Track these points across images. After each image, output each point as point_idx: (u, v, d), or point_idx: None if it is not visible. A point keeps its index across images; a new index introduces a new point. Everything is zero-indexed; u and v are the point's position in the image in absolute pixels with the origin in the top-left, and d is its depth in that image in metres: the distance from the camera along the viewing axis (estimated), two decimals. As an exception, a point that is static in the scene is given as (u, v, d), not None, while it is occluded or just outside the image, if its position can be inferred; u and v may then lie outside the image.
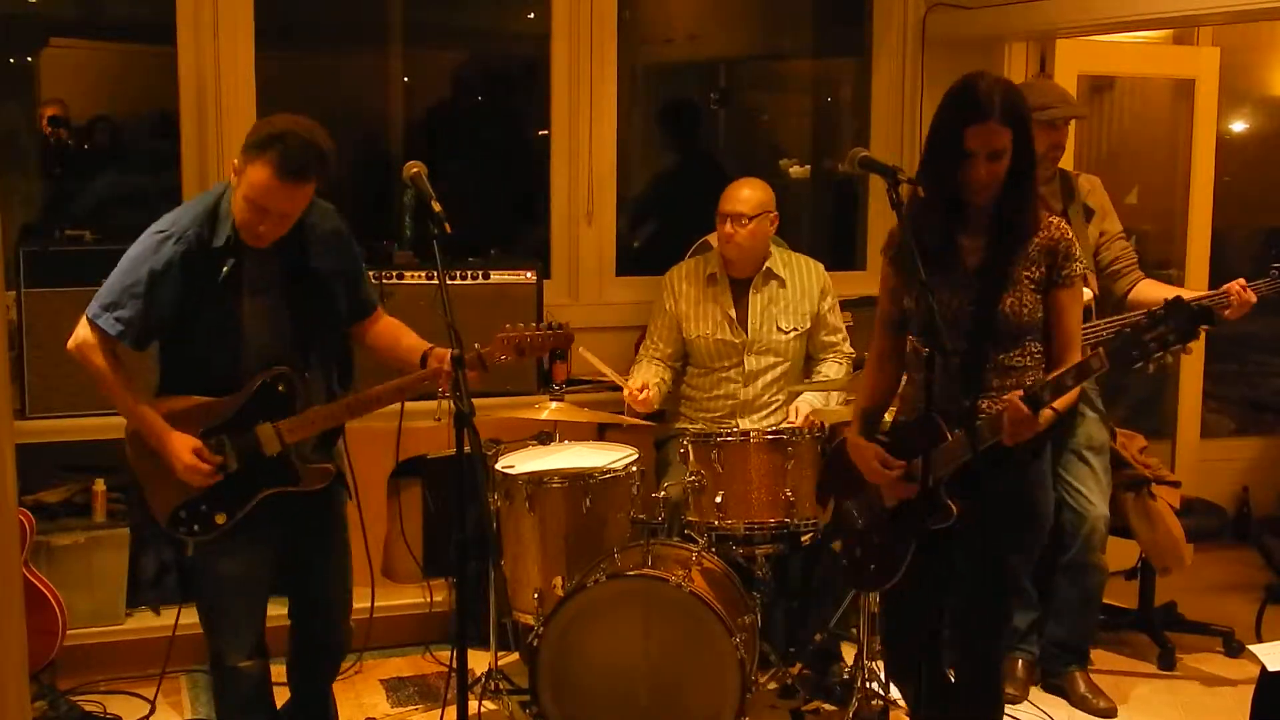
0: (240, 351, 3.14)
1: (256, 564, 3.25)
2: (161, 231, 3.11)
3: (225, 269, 3.09)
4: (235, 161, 3.06)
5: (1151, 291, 4.13)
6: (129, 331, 3.08)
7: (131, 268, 3.09)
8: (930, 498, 2.98)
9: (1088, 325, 4.03)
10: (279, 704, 3.51)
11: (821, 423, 4.01)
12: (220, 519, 3.16)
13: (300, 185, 3.00)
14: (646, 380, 4.25)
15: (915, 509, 3.04)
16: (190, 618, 3.64)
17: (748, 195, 4.27)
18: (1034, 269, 3.04)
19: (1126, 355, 2.81)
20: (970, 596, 3.13)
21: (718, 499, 3.81)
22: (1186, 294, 4.10)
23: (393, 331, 3.37)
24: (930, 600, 3.04)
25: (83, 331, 3.13)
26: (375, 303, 3.40)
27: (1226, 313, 3.97)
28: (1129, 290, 4.16)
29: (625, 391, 4.20)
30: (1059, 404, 2.92)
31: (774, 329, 4.31)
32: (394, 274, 4.47)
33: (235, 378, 3.15)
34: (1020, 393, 2.91)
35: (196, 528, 3.17)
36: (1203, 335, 5.07)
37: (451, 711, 3.00)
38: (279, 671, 3.49)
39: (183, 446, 3.09)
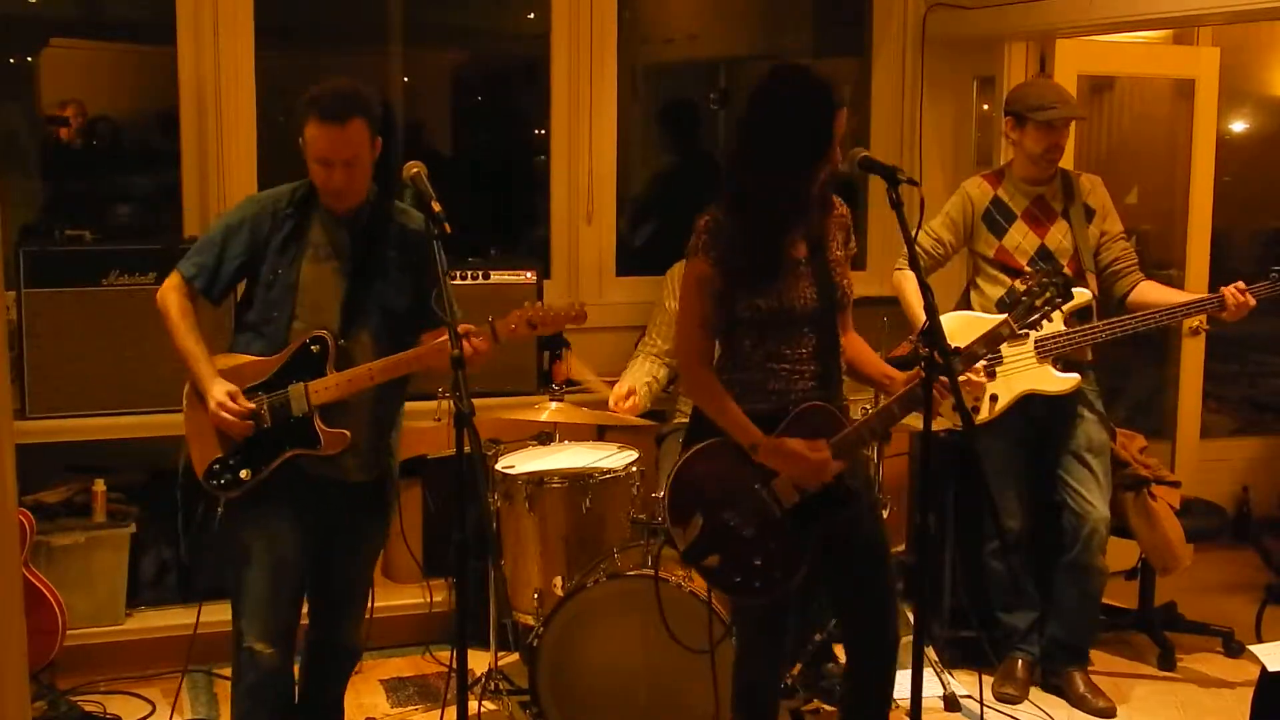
0: (292, 313, 3.26)
1: (279, 544, 3.27)
2: (251, 196, 3.44)
3: (287, 227, 3.26)
4: (300, 140, 3.22)
5: (1152, 293, 4.13)
6: (201, 275, 3.29)
7: (216, 225, 3.40)
8: (838, 486, 3.00)
9: (1088, 326, 4.04)
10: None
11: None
12: (245, 474, 3.25)
13: (344, 126, 3.15)
14: (633, 384, 4.26)
15: (818, 501, 3.01)
16: (189, 617, 3.64)
17: None
18: (839, 247, 3.08)
19: (1028, 321, 3.18)
20: (870, 587, 3.13)
21: (718, 499, 3.81)
22: (1183, 297, 4.13)
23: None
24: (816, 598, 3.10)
25: (169, 279, 3.34)
26: (444, 319, 3.40)
27: (1224, 315, 3.97)
28: (1129, 291, 4.16)
29: (610, 400, 4.21)
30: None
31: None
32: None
33: (286, 339, 3.27)
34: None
35: (225, 480, 3.26)
36: (1203, 335, 5.13)
37: (451, 711, 3.00)
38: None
39: (219, 388, 3.22)
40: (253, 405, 3.23)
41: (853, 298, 3.13)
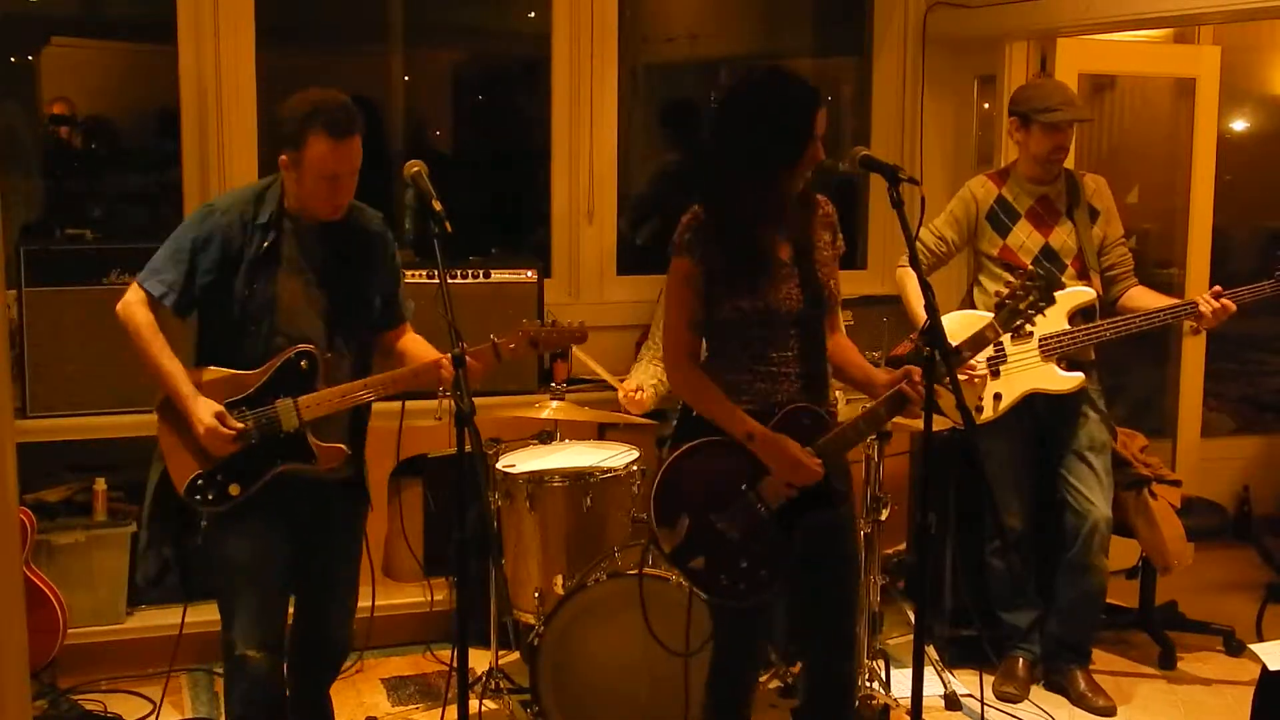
0: (272, 328, 3.22)
1: (267, 552, 3.25)
2: (209, 205, 3.29)
3: (265, 244, 3.19)
4: (283, 158, 3.16)
5: (1140, 298, 4.16)
6: (171, 294, 3.19)
7: (178, 236, 3.24)
8: (825, 487, 2.98)
9: (1091, 325, 4.04)
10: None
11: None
12: (234, 490, 3.21)
13: (355, 139, 3.14)
14: (641, 382, 4.28)
15: (804, 502, 2.99)
16: (190, 616, 3.64)
17: None
18: (826, 247, 3.05)
19: (1012, 325, 3.10)
20: (837, 591, 3.12)
21: (718, 498, 3.81)
22: (1160, 302, 4.12)
23: (415, 347, 3.42)
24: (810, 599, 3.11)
25: (130, 294, 3.23)
26: (405, 317, 3.47)
27: (1201, 322, 3.96)
28: (1119, 297, 4.18)
29: (620, 393, 4.23)
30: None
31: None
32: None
33: (265, 354, 3.23)
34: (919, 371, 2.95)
35: (211, 496, 3.22)
36: (1205, 334, 5.15)
37: (452, 711, 3.00)
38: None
39: (206, 410, 3.15)
40: (241, 425, 3.17)
41: (840, 299, 3.11)
